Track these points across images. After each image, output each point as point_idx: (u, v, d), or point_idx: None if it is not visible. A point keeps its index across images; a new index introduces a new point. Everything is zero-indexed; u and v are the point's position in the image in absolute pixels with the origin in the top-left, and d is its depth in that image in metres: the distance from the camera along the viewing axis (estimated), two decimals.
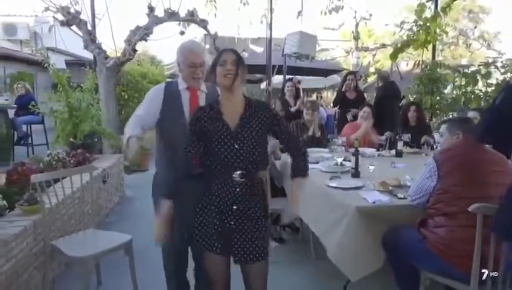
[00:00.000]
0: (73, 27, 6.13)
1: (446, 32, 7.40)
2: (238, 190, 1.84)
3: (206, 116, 1.87)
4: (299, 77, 7.27)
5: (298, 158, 2.03)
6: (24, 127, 7.09)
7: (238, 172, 1.83)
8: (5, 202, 2.75)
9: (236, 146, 1.82)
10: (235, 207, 1.85)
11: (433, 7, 6.72)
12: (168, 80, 10.40)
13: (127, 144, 2.09)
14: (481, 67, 6.09)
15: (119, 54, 5.99)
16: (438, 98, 6.38)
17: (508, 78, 5.74)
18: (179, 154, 2.08)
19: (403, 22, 7.31)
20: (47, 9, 5.78)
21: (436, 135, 4.44)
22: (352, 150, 3.27)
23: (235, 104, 1.87)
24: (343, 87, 5.93)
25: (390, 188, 2.56)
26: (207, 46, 7.31)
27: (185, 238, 2.00)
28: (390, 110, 5.98)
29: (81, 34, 5.97)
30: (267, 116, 1.89)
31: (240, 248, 1.86)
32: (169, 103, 2.21)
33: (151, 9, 5.92)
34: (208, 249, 1.91)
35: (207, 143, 1.86)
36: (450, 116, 6.20)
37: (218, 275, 1.97)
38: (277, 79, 9.16)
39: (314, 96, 13.26)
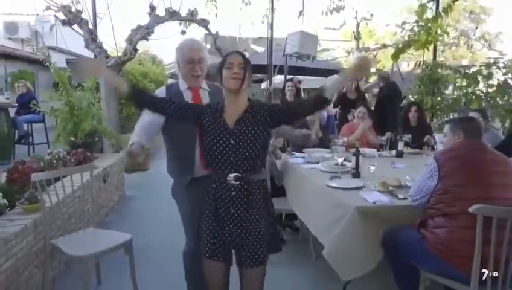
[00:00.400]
0: (75, 26, 6.13)
1: (447, 33, 7.38)
2: (234, 193, 1.83)
3: (210, 112, 1.88)
4: (300, 77, 7.26)
5: (311, 102, 1.92)
6: (25, 126, 7.10)
7: (233, 175, 1.82)
8: (5, 201, 2.76)
9: (232, 141, 1.81)
10: (232, 211, 1.84)
11: (434, 8, 6.71)
12: (170, 79, 10.42)
13: (130, 150, 2.02)
14: (482, 68, 6.07)
15: (120, 53, 5.99)
16: (438, 98, 6.37)
17: (508, 79, 5.73)
18: (190, 158, 2.09)
19: (404, 23, 7.31)
20: (48, 8, 5.79)
21: (436, 136, 4.43)
22: (352, 150, 3.27)
23: (238, 107, 1.86)
24: (344, 88, 5.94)
25: (390, 188, 2.55)
26: (208, 46, 7.32)
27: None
28: (392, 110, 5.99)
29: (82, 33, 5.98)
30: (263, 112, 1.86)
31: (239, 251, 1.85)
32: None
33: (152, 8, 5.93)
34: (208, 256, 1.90)
35: (206, 141, 1.87)
36: (451, 116, 6.19)
37: (216, 283, 1.95)
38: (278, 79, 9.16)
39: None
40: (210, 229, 1.89)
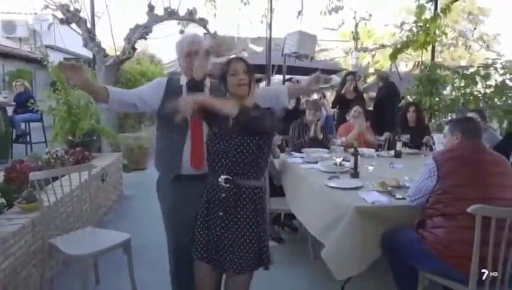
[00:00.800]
0: (73, 25, 6.13)
1: (445, 34, 7.40)
2: (223, 195, 1.83)
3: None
4: (298, 77, 7.27)
5: None
6: (23, 125, 7.08)
7: (224, 177, 1.82)
8: (3, 200, 2.75)
9: (225, 143, 1.82)
10: (221, 213, 1.83)
11: (432, 8, 6.73)
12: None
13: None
14: (480, 68, 6.09)
15: (118, 53, 5.98)
16: (437, 99, 6.39)
17: (506, 80, 5.75)
18: (177, 152, 2.06)
19: (402, 23, 7.33)
20: (46, 7, 5.78)
21: (435, 136, 4.44)
22: (351, 150, 3.27)
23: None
24: (343, 90, 5.94)
25: (389, 188, 2.56)
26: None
27: (189, 240, 1.98)
28: (390, 110, 6.00)
29: (80, 32, 5.97)
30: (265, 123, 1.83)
31: (224, 256, 1.83)
32: (170, 99, 2.17)
33: (151, 7, 5.93)
34: (198, 257, 1.89)
35: (207, 138, 1.88)
36: (449, 117, 6.20)
37: (205, 287, 1.94)
38: (276, 79, 9.17)
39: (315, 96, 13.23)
40: (201, 229, 1.89)
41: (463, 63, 17.03)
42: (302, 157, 3.63)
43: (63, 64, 1.91)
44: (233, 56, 1.97)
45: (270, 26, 7.07)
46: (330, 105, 8.89)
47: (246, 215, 1.83)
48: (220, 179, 1.83)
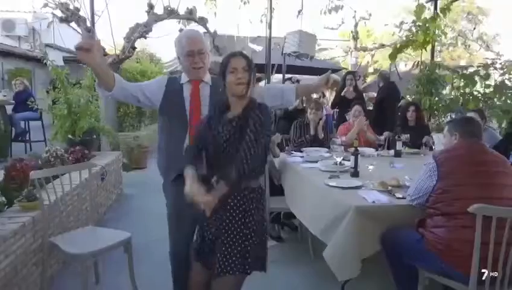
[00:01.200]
0: (72, 24, 6.11)
1: (445, 33, 7.41)
2: None
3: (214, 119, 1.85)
4: (298, 76, 7.27)
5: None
6: (22, 124, 7.07)
7: (216, 178, 1.78)
8: (3, 198, 2.75)
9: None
10: (213, 217, 1.79)
11: (432, 8, 6.74)
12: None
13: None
14: (480, 68, 6.10)
15: (118, 51, 5.98)
16: (436, 99, 6.40)
17: (505, 79, 5.77)
18: (177, 151, 2.05)
19: (402, 23, 7.32)
20: (46, 5, 5.76)
21: (434, 136, 4.45)
22: (351, 149, 3.28)
23: (237, 108, 1.81)
24: (344, 91, 5.94)
25: (389, 188, 2.56)
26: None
27: (188, 242, 1.98)
28: (391, 110, 6.01)
29: (80, 30, 5.96)
30: (258, 121, 1.72)
31: (215, 258, 1.77)
32: (170, 98, 2.15)
33: (150, 6, 5.92)
34: (194, 258, 1.89)
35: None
36: (449, 117, 6.22)
37: (195, 287, 1.93)
38: (276, 78, 9.16)
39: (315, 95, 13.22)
40: (199, 231, 1.88)
41: (462, 62, 17.05)
42: (302, 157, 3.63)
43: (81, 46, 1.81)
44: (236, 51, 1.92)
45: (270, 25, 7.06)
46: (329, 104, 8.91)
47: (232, 216, 1.78)
48: (213, 179, 1.80)
